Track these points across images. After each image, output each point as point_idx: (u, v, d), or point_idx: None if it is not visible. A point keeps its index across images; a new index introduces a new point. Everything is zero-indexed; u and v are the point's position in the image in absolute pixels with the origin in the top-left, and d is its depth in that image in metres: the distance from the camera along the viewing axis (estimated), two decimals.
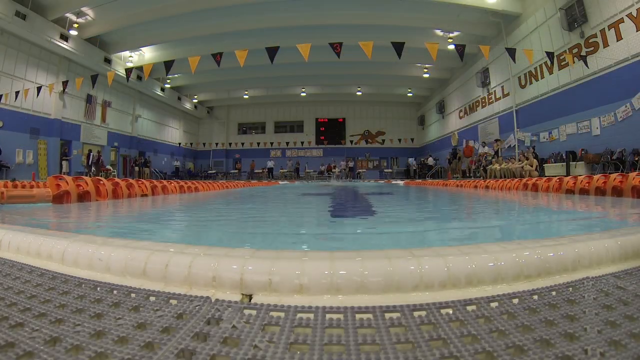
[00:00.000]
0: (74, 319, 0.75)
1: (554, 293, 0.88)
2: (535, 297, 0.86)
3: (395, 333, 0.68)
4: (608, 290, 0.89)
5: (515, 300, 0.84)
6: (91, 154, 16.05)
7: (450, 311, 0.78)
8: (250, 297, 0.90)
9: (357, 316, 0.76)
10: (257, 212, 4.58)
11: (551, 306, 0.80)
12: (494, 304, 0.82)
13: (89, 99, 17.71)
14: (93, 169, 15.52)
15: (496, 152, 14.18)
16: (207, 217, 3.95)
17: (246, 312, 0.78)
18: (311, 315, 0.76)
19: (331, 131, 29.43)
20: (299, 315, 0.76)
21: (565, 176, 7.22)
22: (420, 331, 0.68)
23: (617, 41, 9.85)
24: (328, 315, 0.76)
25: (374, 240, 2.35)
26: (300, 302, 0.84)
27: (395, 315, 0.76)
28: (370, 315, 0.76)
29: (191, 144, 28.40)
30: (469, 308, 0.79)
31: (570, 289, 0.92)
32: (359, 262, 0.94)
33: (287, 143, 28.68)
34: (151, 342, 0.64)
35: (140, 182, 6.56)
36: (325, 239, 2.50)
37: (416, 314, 0.77)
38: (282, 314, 0.77)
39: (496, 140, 14.83)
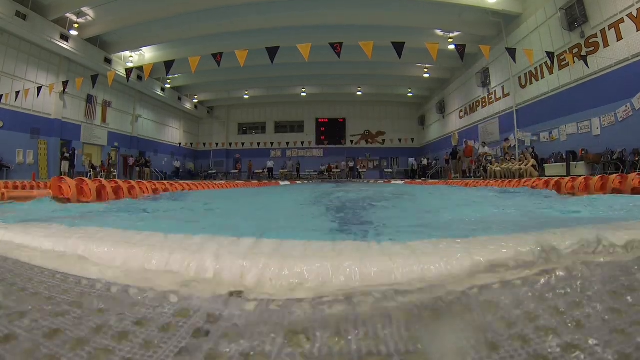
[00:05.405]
0: (74, 316, 0.75)
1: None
2: None
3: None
4: None
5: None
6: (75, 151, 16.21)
7: None
8: (248, 293, 0.90)
9: (358, 309, 0.75)
10: None
11: None
12: None
13: (89, 99, 17.72)
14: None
15: (505, 154, 14.18)
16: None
17: (246, 307, 0.78)
18: (310, 309, 0.76)
19: (331, 131, 29.44)
20: (298, 309, 0.76)
21: (564, 177, 7.20)
22: None
23: (618, 41, 9.86)
24: (328, 310, 0.76)
25: None
26: (299, 296, 0.84)
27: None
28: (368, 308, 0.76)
29: (191, 144, 28.42)
30: None
31: None
32: (358, 260, 0.93)
33: (287, 143, 28.69)
34: (151, 341, 0.64)
35: (141, 184, 6.55)
36: None
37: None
38: (281, 309, 0.77)
39: (505, 140, 14.83)
